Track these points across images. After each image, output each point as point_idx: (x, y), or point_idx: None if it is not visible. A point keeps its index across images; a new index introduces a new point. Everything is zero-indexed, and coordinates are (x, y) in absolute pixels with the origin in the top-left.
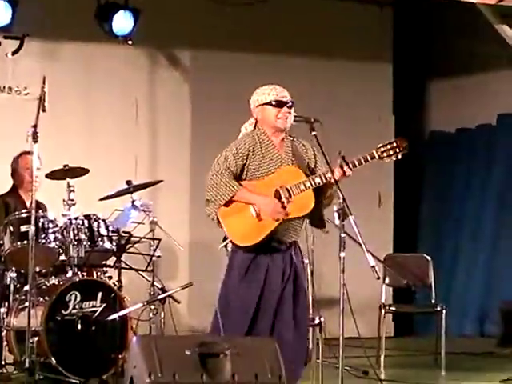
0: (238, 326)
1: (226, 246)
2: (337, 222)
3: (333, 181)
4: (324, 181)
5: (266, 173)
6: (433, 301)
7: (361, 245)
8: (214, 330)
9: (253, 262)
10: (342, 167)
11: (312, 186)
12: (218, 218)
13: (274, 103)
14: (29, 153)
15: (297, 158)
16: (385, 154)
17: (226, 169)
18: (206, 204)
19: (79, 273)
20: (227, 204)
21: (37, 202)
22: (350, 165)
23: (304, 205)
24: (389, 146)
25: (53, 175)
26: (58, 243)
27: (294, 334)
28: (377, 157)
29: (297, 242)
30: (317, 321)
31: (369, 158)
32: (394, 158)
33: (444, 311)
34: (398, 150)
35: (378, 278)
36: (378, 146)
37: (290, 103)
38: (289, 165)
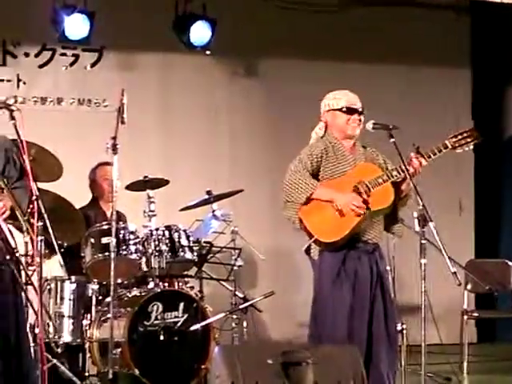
0: (337, 331)
1: (309, 252)
2: (417, 228)
3: (411, 171)
4: (401, 173)
5: (341, 174)
6: None
7: (441, 251)
8: (312, 337)
9: (342, 265)
10: (417, 159)
11: (389, 178)
12: (299, 219)
13: (345, 109)
14: (107, 163)
15: (370, 161)
16: (457, 144)
17: (304, 168)
18: (284, 207)
19: (161, 284)
20: (307, 203)
21: (118, 213)
22: (425, 156)
23: (384, 198)
24: (460, 137)
25: (133, 186)
26: (139, 254)
27: (387, 344)
28: (450, 146)
29: (380, 247)
30: (399, 328)
31: (442, 148)
32: (467, 148)
33: None
34: (469, 140)
35: (460, 284)
36: (450, 136)
37: (361, 110)
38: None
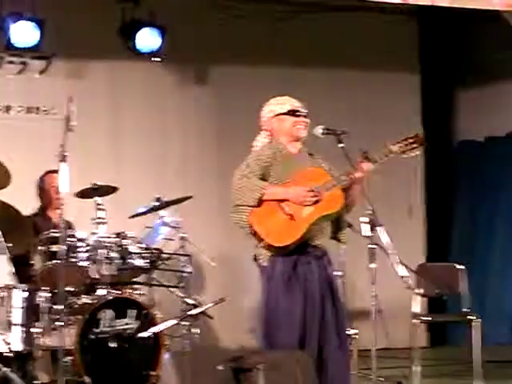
0: (290, 336)
1: (257, 259)
2: (366, 233)
3: (358, 176)
4: (348, 178)
5: (290, 179)
6: (466, 310)
7: (391, 255)
8: (263, 343)
9: (293, 270)
10: (363, 163)
11: (338, 183)
12: (249, 224)
13: (291, 112)
14: (54, 171)
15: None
16: (403, 150)
17: (251, 172)
18: (233, 211)
19: (111, 291)
20: (257, 206)
21: (66, 221)
22: (371, 161)
23: (334, 203)
24: (405, 142)
25: (81, 194)
26: (88, 262)
27: (339, 349)
28: (395, 152)
29: (328, 252)
30: (349, 332)
31: (388, 154)
32: (413, 154)
33: (477, 320)
34: (415, 145)
35: (409, 288)
36: (394, 142)
37: (305, 113)
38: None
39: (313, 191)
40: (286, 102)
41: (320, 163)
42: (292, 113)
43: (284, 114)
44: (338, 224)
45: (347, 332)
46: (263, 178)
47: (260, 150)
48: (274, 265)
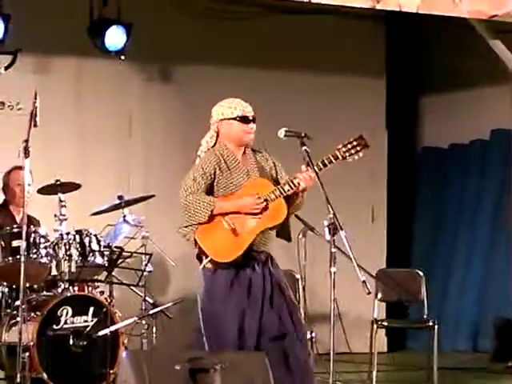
0: (227, 339)
1: (199, 259)
2: (327, 237)
3: (302, 186)
4: (293, 187)
5: (236, 187)
6: (425, 316)
7: (351, 259)
8: (202, 344)
9: (235, 277)
10: (307, 172)
11: (282, 194)
12: (194, 239)
13: (239, 118)
14: (20, 168)
15: (260, 168)
16: (347, 153)
17: (198, 189)
18: (181, 227)
19: (71, 288)
20: (202, 223)
21: (29, 216)
22: (316, 168)
23: (278, 214)
24: (349, 146)
25: (44, 190)
26: (49, 258)
27: (299, 340)
28: (340, 157)
29: (272, 256)
30: (308, 336)
31: (332, 159)
32: (357, 157)
33: (436, 326)
34: (358, 148)
35: (369, 293)
36: (339, 146)
37: (253, 118)
38: (256, 176)
39: (260, 198)
40: (237, 107)
41: (264, 162)
42: (241, 118)
43: (233, 118)
44: (284, 228)
45: (306, 332)
46: (210, 190)
47: (204, 160)
48: (216, 273)
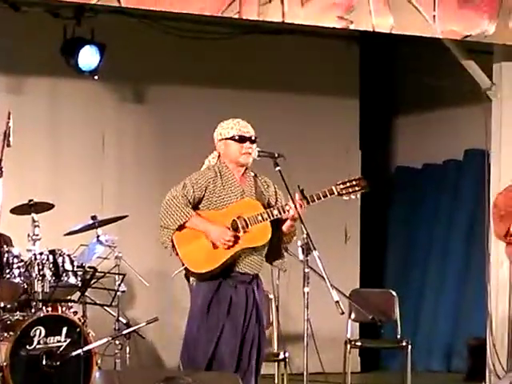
0: (203, 357)
1: (188, 278)
2: (301, 257)
3: (291, 213)
4: (282, 213)
5: (227, 204)
6: (398, 336)
7: (324, 279)
8: (183, 363)
9: (215, 294)
10: (300, 202)
11: (270, 217)
12: (172, 245)
13: (236, 138)
14: None
15: (258, 193)
16: (344, 191)
17: (183, 196)
18: (160, 230)
19: (44, 308)
20: (181, 230)
21: (1, 235)
22: (309, 199)
23: (260, 236)
24: (348, 184)
25: (18, 210)
26: (22, 278)
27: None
28: (336, 193)
29: (259, 276)
30: (281, 356)
31: (328, 194)
32: (353, 196)
33: (410, 346)
34: (357, 189)
35: (342, 313)
36: (338, 182)
37: (253, 138)
38: (250, 197)
39: (234, 232)
40: (233, 126)
41: (264, 187)
42: (238, 138)
43: (229, 138)
44: (276, 252)
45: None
46: (196, 202)
47: (203, 171)
48: (198, 287)
